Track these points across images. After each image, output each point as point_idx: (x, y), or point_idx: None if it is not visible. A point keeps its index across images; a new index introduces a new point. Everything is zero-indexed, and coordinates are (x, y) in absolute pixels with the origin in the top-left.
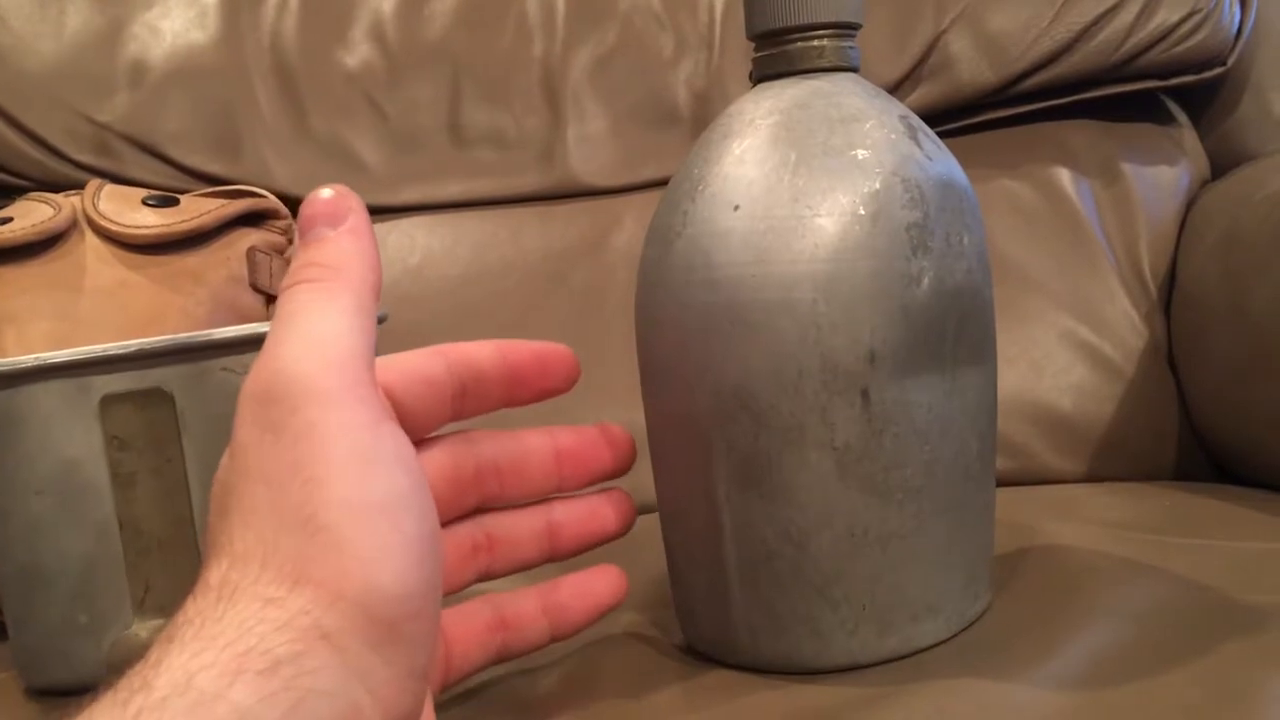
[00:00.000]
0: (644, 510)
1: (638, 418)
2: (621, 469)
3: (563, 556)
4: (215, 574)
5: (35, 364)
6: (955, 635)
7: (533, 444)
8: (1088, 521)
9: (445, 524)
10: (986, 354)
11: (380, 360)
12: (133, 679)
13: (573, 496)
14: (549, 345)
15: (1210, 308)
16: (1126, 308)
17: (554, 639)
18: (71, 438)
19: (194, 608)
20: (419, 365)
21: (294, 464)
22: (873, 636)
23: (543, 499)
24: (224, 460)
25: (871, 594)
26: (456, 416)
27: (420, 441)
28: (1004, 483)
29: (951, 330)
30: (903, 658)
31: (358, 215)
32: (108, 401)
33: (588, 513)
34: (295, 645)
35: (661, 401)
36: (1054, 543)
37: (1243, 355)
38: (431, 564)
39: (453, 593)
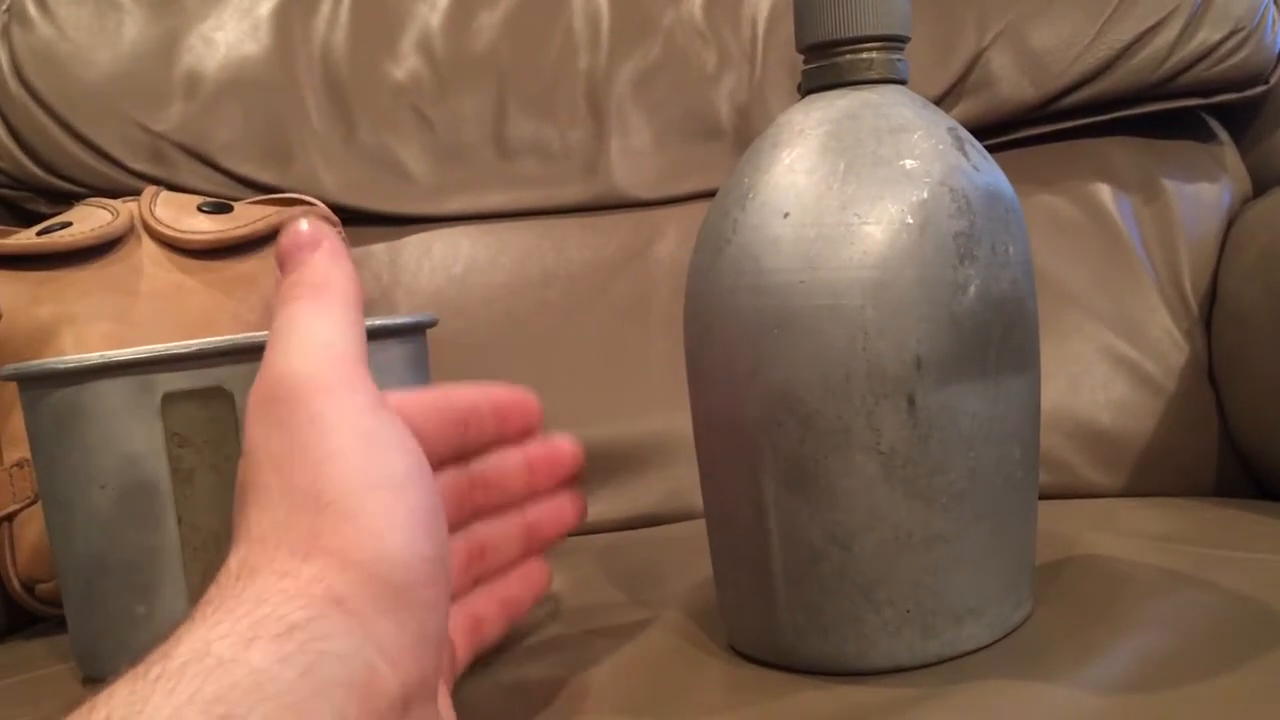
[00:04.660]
0: (690, 515)
1: (678, 424)
2: (577, 471)
3: (538, 551)
4: (234, 560)
5: (100, 362)
6: (998, 640)
7: (509, 457)
8: (1128, 534)
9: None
10: (1030, 363)
11: (399, 393)
12: (154, 654)
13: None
14: (519, 390)
15: (1251, 325)
16: (1167, 324)
17: (509, 627)
18: (133, 434)
19: (215, 591)
20: (433, 398)
21: (301, 449)
22: (916, 639)
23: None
24: (240, 463)
25: (915, 597)
26: (462, 450)
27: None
28: (1043, 496)
29: (996, 338)
30: (945, 661)
31: (333, 240)
32: (169, 399)
33: (556, 509)
34: (309, 611)
35: (709, 406)
36: (1095, 553)
37: None
38: (439, 534)
39: (456, 599)
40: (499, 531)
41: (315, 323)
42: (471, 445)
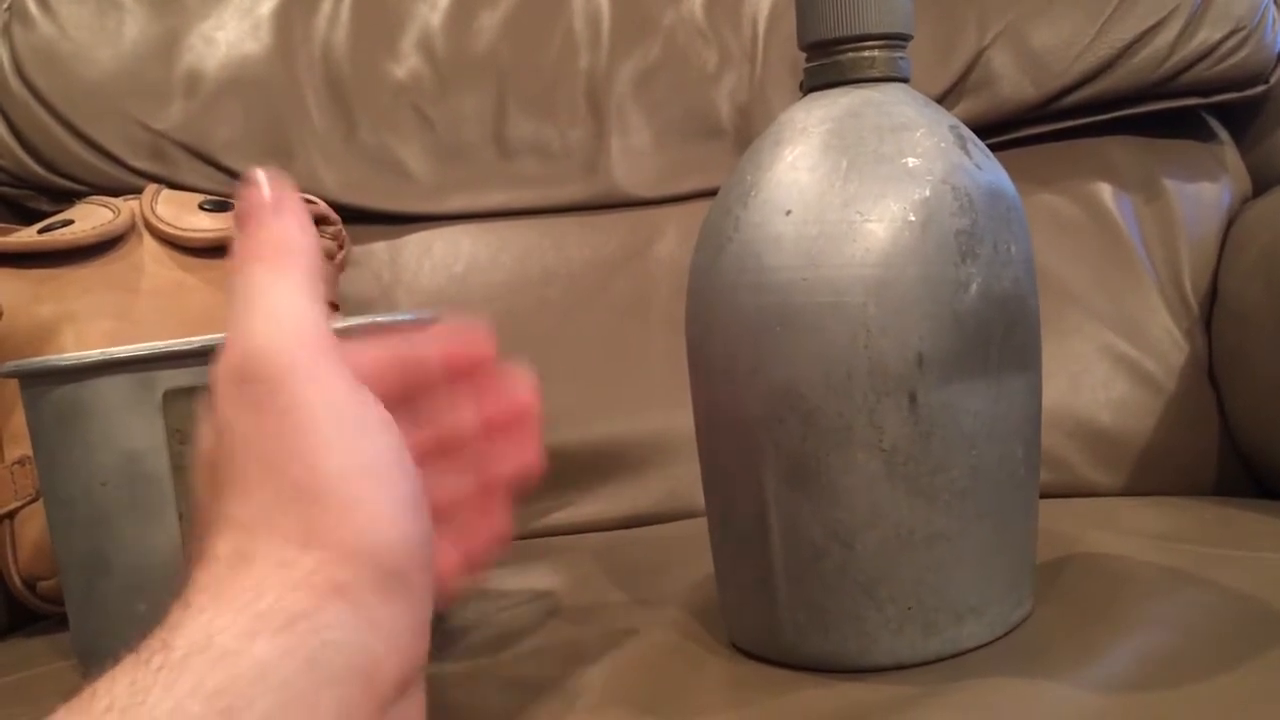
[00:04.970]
0: (690, 514)
1: (678, 422)
2: (533, 413)
3: (497, 499)
4: (223, 546)
5: (102, 358)
6: (999, 638)
7: (464, 420)
8: (1129, 533)
9: None
10: (1032, 361)
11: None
12: (153, 641)
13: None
14: (466, 328)
15: (1252, 324)
16: (1167, 323)
17: (468, 578)
18: (134, 430)
19: (205, 576)
20: (364, 353)
21: (284, 438)
22: (917, 637)
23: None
24: (205, 440)
25: (917, 594)
26: (404, 397)
27: None
28: (1043, 494)
29: (998, 336)
30: (946, 658)
31: (292, 197)
32: (170, 396)
33: (512, 456)
34: (311, 601)
35: (711, 403)
36: (1096, 552)
37: None
38: (424, 517)
39: None
40: (451, 482)
41: (279, 292)
42: (412, 392)
